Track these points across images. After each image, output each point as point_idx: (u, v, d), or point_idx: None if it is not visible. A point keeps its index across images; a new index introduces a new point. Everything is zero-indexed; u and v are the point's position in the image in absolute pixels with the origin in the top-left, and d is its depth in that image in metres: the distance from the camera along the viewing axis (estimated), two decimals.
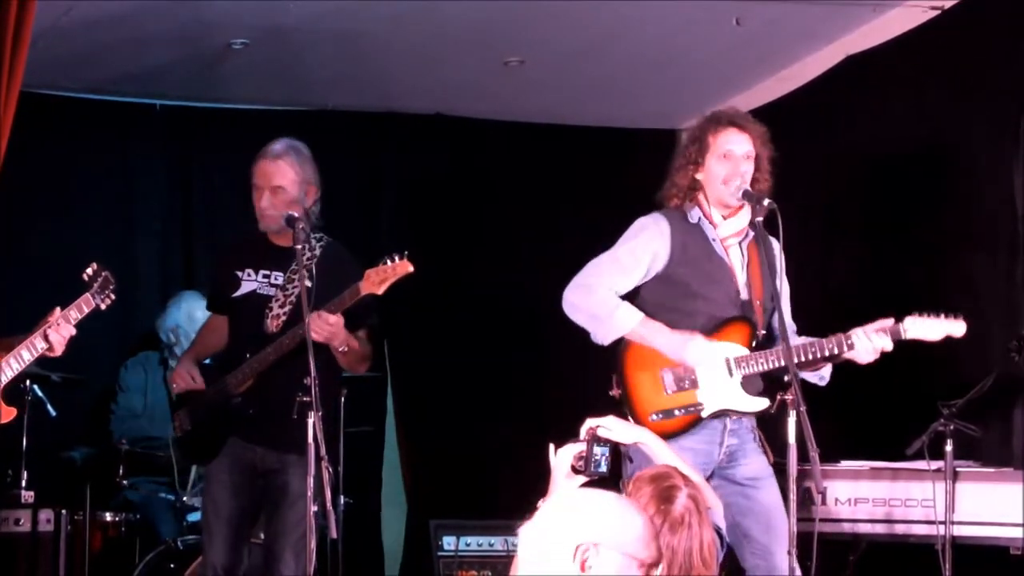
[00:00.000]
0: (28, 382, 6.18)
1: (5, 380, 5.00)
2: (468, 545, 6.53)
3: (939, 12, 6.51)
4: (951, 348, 4.91)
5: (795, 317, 5.05)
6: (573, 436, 3.26)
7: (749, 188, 4.90)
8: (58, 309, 5.04)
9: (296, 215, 5.12)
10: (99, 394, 7.24)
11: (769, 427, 4.92)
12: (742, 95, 7.50)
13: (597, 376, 5.00)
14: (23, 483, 6.28)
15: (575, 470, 3.20)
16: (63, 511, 6.33)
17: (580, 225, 7.55)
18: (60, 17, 6.23)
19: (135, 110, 7.72)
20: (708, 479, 4.59)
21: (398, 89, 7.67)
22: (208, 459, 5.38)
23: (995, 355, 5.72)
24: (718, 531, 3.30)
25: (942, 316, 4.80)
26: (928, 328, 4.81)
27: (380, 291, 5.07)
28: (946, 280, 6.37)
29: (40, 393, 6.34)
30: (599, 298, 4.88)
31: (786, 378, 4.68)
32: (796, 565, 4.55)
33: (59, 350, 5.05)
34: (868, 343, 4.78)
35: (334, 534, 4.78)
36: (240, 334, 5.39)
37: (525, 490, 3.57)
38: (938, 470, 5.45)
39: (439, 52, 7.13)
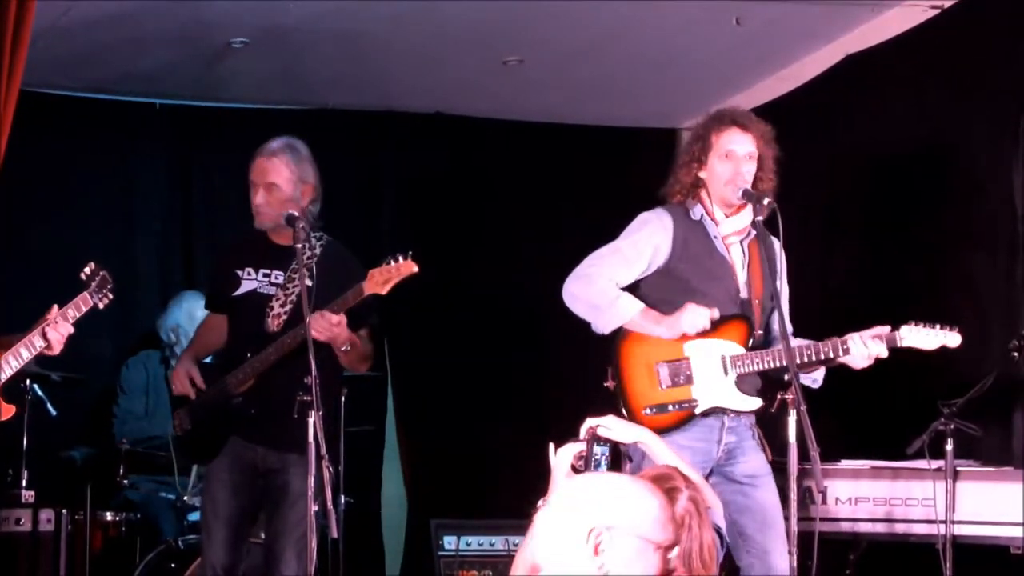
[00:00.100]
0: (28, 381, 6.18)
1: (4, 378, 5.01)
2: (469, 545, 6.52)
3: (939, 11, 6.51)
4: (951, 348, 4.91)
5: (794, 318, 5.05)
6: (573, 435, 3.26)
7: (749, 187, 4.90)
8: (56, 307, 5.05)
9: (296, 214, 5.12)
10: (99, 394, 7.24)
11: (769, 426, 4.92)
12: (742, 94, 7.50)
13: (597, 376, 5.00)
14: (23, 483, 6.28)
15: (575, 470, 3.20)
16: (63, 511, 6.33)
17: (580, 225, 7.54)
18: (60, 16, 6.23)
19: (135, 109, 7.72)
20: (707, 476, 4.61)
21: (398, 88, 7.67)
22: (208, 459, 5.37)
23: (995, 355, 5.72)
24: (718, 531, 3.29)
25: (938, 327, 4.81)
26: (923, 338, 4.82)
27: (384, 291, 5.06)
28: (946, 280, 6.37)
29: (40, 393, 6.34)
30: (599, 288, 4.89)
31: (786, 377, 4.69)
32: (794, 564, 4.55)
33: (57, 348, 5.06)
34: (864, 349, 4.78)
35: (335, 533, 4.78)
36: (240, 333, 5.38)
37: (525, 490, 3.57)
38: (938, 469, 5.46)
39: (439, 51, 7.13)
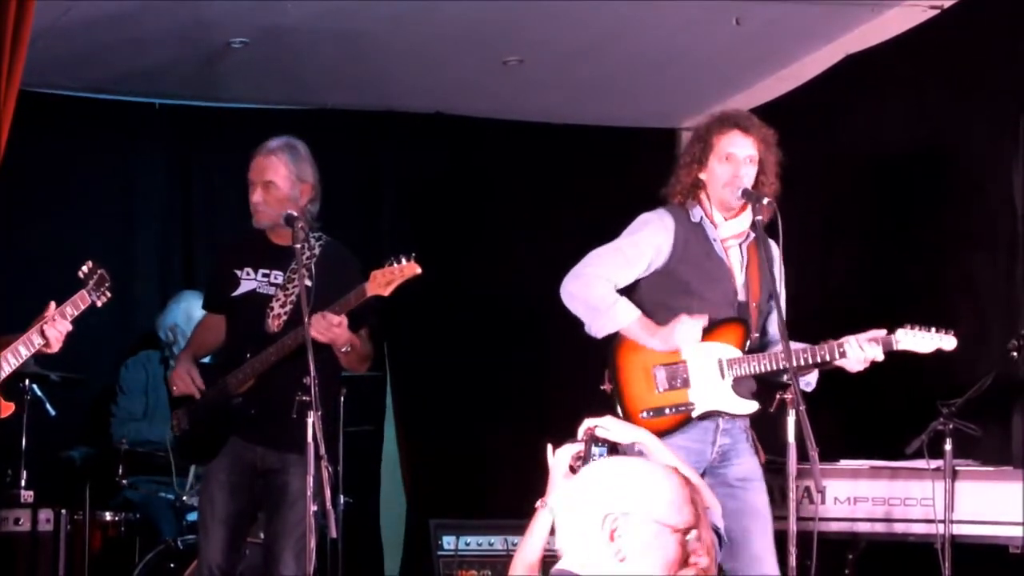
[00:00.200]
0: (27, 381, 6.18)
1: (3, 375, 5.01)
2: (468, 544, 6.52)
3: (939, 11, 6.51)
4: (947, 351, 4.91)
5: (792, 319, 5.03)
6: (572, 436, 3.26)
7: (749, 187, 4.90)
8: (53, 304, 5.05)
9: (295, 215, 5.11)
10: (99, 394, 7.23)
11: (768, 426, 4.92)
12: (742, 94, 7.50)
13: (596, 376, 5.00)
14: (23, 483, 6.28)
15: (573, 470, 3.20)
16: (63, 511, 6.33)
17: (580, 225, 7.54)
18: (60, 16, 6.23)
19: (134, 109, 7.72)
20: (700, 477, 4.60)
21: (398, 88, 7.67)
22: (207, 459, 5.37)
23: (994, 355, 5.72)
24: (716, 531, 3.29)
25: (933, 330, 4.81)
26: (919, 341, 4.82)
27: (387, 292, 5.05)
28: (946, 280, 6.37)
29: (39, 393, 6.34)
30: (598, 291, 4.88)
31: (785, 377, 4.68)
32: (794, 564, 4.54)
33: (56, 346, 5.05)
34: (860, 352, 4.78)
35: (334, 533, 4.77)
36: (240, 333, 5.37)
37: (524, 490, 3.58)
38: (937, 469, 5.46)
39: (439, 51, 7.13)
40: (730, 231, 4.96)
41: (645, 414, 4.82)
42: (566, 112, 8.09)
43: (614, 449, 3.25)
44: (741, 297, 4.95)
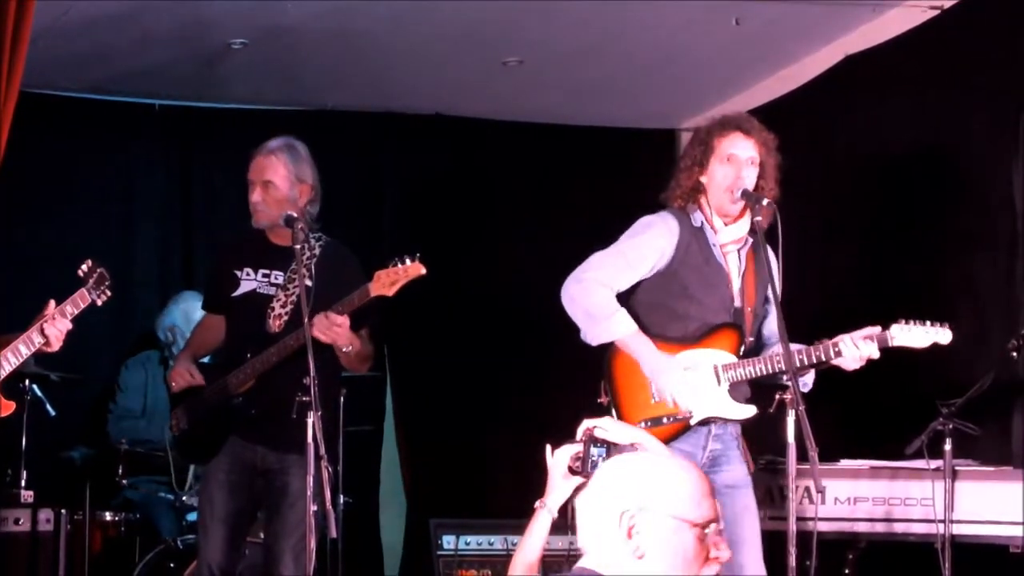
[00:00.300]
0: (27, 382, 6.18)
1: (4, 374, 5.01)
2: (468, 544, 6.53)
3: (939, 12, 6.51)
4: (950, 348, 4.90)
5: (789, 321, 5.03)
6: (571, 436, 3.26)
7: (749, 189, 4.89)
8: (53, 302, 5.05)
9: (295, 215, 5.11)
10: (98, 394, 7.24)
11: (768, 427, 4.91)
12: (742, 95, 7.51)
13: (596, 377, 4.99)
14: (23, 483, 6.28)
15: (572, 471, 3.20)
16: (63, 511, 6.33)
17: (580, 225, 7.55)
18: (59, 16, 6.23)
19: (134, 110, 7.73)
20: None
21: (397, 89, 7.68)
22: (207, 458, 5.36)
23: (995, 354, 5.72)
24: None
25: (928, 324, 4.79)
26: (914, 336, 4.79)
27: (391, 293, 5.04)
28: (946, 280, 6.37)
29: (39, 393, 6.34)
30: (599, 299, 4.85)
31: (785, 378, 4.68)
32: (794, 564, 4.54)
33: (56, 345, 5.05)
34: (855, 350, 4.76)
35: (334, 533, 4.76)
36: (240, 333, 5.37)
37: (524, 490, 3.58)
38: (937, 469, 5.46)
39: (438, 51, 7.13)
40: (729, 236, 4.95)
41: (643, 424, 4.80)
42: (566, 112, 8.09)
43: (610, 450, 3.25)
44: (737, 303, 4.94)
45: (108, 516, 6.56)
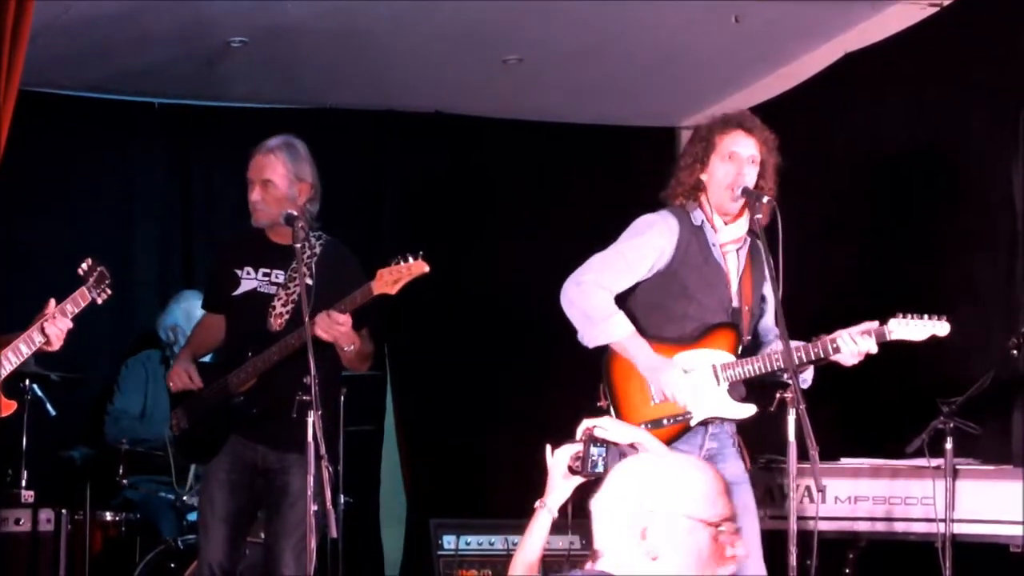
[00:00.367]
0: (28, 381, 6.18)
1: (4, 373, 5.01)
2: (468, 544, 6.52)
3: (938, 9, 6.51)
4: (951, 346, 4.91)
5: (788, 321, 5.02)
6: (571, 436, 3.26)
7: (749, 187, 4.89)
8: (53, 301, 5.04)
9: (295, 214, 5.11)
10: (99, 393, 7.23)
11: (769, 425, 4.91)
12: (741, 93, 7.50)
13: (596, 377, 4.99)
14: (23, 483, 6.28)
15: (572, 470, 3.20)
16: (63, 511, 6.32)
17: (580, 224, 7.54)
18: (59, 15, 6.23)
19: (134, 108, 7.73)
20: None
21: (397, 87, 7.67)
22: (207, 458, 5.36)
23: (995, 353, 5.72)
24: None
25: (925, 317, 4.79)
26: (912, 329, 4.79)
27: (394, 291, 5.04)
28: (946, 280, 6.37)
29: (40, 392, 6.34)
30: (597, 302, 4.84)
31: (785, 376, 4.68)
32: (794, 563, 4.54)
33: (57, 344, 5.05)
34: (853, 346, 4.76)
35: (334, 533, 4.76)
36: (241, 332, 5.37)
37: (524, 490, 3.57)
38: (938, 468, 5.46)
39: (439, 51, 7.13)
40: (729, 236, 4.94)
41: (644, 427, 4.79)
42: (566, 112, 8.09)
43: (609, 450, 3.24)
44: (735, 303, 4.94)
45: (108, 516, 6.56)
